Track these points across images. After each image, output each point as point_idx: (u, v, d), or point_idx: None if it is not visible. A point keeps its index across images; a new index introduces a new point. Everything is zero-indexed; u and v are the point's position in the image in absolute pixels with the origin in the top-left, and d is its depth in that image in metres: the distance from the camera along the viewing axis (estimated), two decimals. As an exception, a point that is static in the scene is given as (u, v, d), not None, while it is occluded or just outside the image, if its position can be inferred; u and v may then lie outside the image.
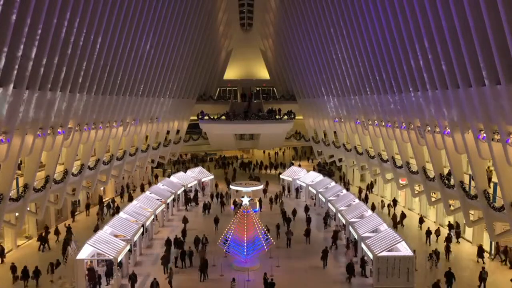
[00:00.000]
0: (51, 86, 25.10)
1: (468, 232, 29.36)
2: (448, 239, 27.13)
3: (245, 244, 24.68)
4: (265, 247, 25.09)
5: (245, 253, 24.73)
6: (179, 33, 40.16)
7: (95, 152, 35.87)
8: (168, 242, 27.28)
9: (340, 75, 38.60)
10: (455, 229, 29.66)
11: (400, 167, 34.07)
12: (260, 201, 38.48)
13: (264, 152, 68.40)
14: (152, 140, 45.60)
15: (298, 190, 42.89)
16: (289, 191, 44.16)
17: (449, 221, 30.83)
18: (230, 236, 25.39)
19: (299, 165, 54.19)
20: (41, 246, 28.01)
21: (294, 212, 34.80)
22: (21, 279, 22.41)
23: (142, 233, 27.81)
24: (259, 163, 58.67)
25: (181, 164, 59.90)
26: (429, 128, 27.74)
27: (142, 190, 41.50)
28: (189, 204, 39.08)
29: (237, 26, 56.33)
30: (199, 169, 47.01)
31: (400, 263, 22.44)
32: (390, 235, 24.05)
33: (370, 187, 44.24)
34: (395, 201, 37.03)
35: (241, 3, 53.58)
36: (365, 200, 37.60)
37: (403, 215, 33.08)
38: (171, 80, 42.78)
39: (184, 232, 29.57)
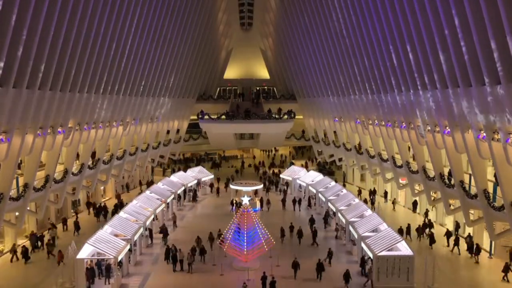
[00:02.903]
0: (51, 86, 25.13)
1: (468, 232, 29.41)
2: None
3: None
4: (265, 247, 25.06)
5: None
6: (179, 32, 40.15)
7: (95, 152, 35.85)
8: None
9: (340, 75, 38.56)
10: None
11: (400, 166, 34.09)
12: (261, 200, 38.46)
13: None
14: (151, 140, 45.57)
15: (284, 191, 41.93)
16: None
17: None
18: (229, 236, 25.38)
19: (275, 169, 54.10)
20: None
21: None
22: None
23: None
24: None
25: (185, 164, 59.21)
26: (429, 128, 27.74)
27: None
28: (182, 203, 39.28)
29: (237, 25, 56.26)
30: (199, 168, 47.05)
31: (400, 263, 22.48)
32: (390, 235, 24.06)
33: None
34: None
35: (241, 2, 53.47)
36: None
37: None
38: (171, 79, 42.76)
39: None
